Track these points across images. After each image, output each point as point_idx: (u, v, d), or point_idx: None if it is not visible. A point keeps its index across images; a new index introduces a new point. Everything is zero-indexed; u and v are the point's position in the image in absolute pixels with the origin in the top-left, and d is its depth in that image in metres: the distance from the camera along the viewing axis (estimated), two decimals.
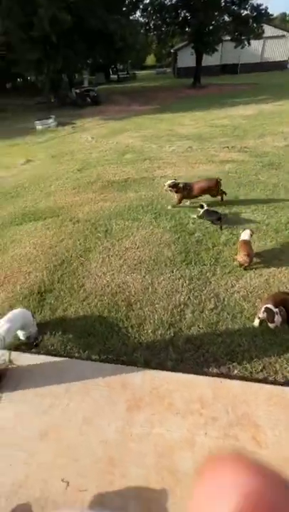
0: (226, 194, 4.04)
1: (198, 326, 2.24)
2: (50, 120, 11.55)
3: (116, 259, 3.05)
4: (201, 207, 3.58)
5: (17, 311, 2.09)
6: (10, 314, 2.04)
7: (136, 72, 38.93)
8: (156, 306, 2.43)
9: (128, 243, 3.30)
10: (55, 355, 1.99)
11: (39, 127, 11.17)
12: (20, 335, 2.16)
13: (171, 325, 2.25)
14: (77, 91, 15.70)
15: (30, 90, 20.78)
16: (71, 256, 3.16)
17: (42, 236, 3.66)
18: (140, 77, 34.13)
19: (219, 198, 4.02)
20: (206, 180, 3.98)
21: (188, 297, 2.49)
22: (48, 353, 2.04)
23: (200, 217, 3.56)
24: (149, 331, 2.21)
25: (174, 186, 3.84)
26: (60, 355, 2.01)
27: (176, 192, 3.89)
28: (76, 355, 2.04)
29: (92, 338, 2.17)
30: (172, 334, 2.17)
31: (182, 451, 1.47)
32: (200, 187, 3.87)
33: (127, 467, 1.42)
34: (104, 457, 1.46)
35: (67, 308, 2.47)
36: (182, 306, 2.42)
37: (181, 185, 3.84)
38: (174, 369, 1.91)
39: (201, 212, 3.54)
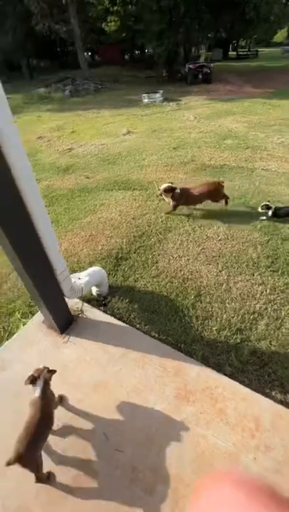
0: (228, 198, 3.50)
1: (269, 341, 1.99)
2: (157, 95, 11.53)
3: (194, 245, 2.93)
4: (267, 207, 3.12)
5: (97, 268, 2.24)
6: (90, 270, 2.20)
7: (259, 49, 34.80)
8: (227, 305, 2.26)
9: (210, 232, 3.11)
10: (119, 319, 2.08)
11: (145, 100, 11.32)
12: (94, 291, 2.33)
13: (239, 330, 2.07)
14: (191, 66, 15.07)
15: (145, 63, 21.07)
16: (151, 231, 3.19)
17: (128, 206, 3.80)
18: (263, 55, 30.39)
19: (223, 203, 3.49)
20: (207, 184, 3.39)
21: (266, 308, 2.22)
22: (113, 314, 2.15)
23: (278, 215, 3.11)
24: (214, 329, 2.08)
25: (170, 191, 3.28)
26: (123, 321, 2.09)
27: (172, 198, 3.33)
28: (137, 326, 2.09)
29: (155, 316, 2.18)
30: (238, 340, 1.99)
31: (224, 462, 1.37)
32: (200, 192, 3.32)
33: (163, 451, 1.41)
34: (144, 431, 1.48)
35: (138, 279, 2.54)
36: (256, 314, 2.18)
37: (178, 190, 3.27)
38: (231, 376, 1.76)
39: (270, 212, 3.11)
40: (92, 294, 2.35)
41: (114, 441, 1.45)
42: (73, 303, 2.12)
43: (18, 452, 1.09)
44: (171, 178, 4.64)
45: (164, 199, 3.51)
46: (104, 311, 2.17)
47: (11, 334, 2.03)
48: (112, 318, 2.09)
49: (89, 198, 4.20)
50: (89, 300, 2.29)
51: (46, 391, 1.30)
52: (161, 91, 11.86)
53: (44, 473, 1.28)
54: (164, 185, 3.30)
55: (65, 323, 1.96)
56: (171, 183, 3.30)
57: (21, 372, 1.67)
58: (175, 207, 3.42)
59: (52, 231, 1.54)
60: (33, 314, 2.16)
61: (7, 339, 1.99)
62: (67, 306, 1.95)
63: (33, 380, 1.29)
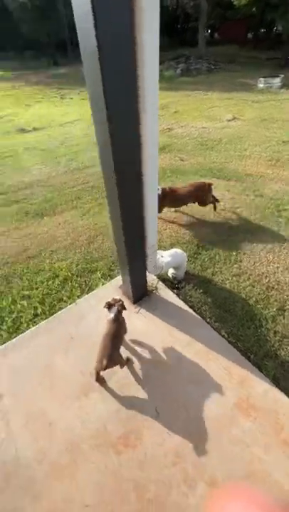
0: (218, 202, 3.16)
1: None
2: (276, 80, 10.21)
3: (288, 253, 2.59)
4: None
5: (179, 251, 2.21)
6: (173, 251, 2.18)
7: None
8: None
9: None
10: (190, 307, 2.03)
11: (261, 85, 10.20)
12: (170, 272, 2.32)
13: None
14: None
15: (270, 42, 18.78)
16: (241, 227, 2.95)
17: (219, 196, 3.56)
18: None
19: (212, 207, 3.14)
20: (194, 185, 2.98)
21: None
22: (185, 300, 2.10)
23: None
24: None
25: None
26: (194, 310, 2.03)
27: None
28: (207, 320, 2.01)
29: (228, 315, 2.04)
30: None
31: (280, 495, 1.22)
32: (187, 192, 2.93)
33: (213, 452, 1.35)
34: (196, 423, 1.44)
35: (216, 273, 2.40)
36: None
37: (159, 190, 2.70)
38: None
39: None
40: (167, 275, 2.35)
41: (164, 419, 1.46)
42: (150, 278, 2.15)
43: (104, 360, 1.40)
44: (275, 174, 4.14)
45: None
46: (177, 295, 2.14)
47: (90, 289, 2.23)
48: (184, 304, 2.05)
49: (179, 180, 4.13)
50: (163, 280, 2.30)
51: (119, 316, 1.56)
52: (282, 76, 10.45)
53: (124, 360, 1.58)
54: None
55: (140, 295, 2.02)
56: None
57: (97, 321, 1.84)
58: (160, 209, 2.95)
59: (156, 204, 1.55)
60: (111, 278, 2.31)
61: (87, 293, 2.18)
62: (146, 279, 2.00)
63: (109, 306, 1.58)
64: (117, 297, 1.64)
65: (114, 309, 1.57)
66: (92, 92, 1.06)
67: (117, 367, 1.58)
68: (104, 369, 1.42)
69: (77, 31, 0.92)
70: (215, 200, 3.13)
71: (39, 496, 1.25)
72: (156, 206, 1.56)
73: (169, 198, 2.88)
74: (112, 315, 1.55)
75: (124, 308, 1.60)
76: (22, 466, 1.32)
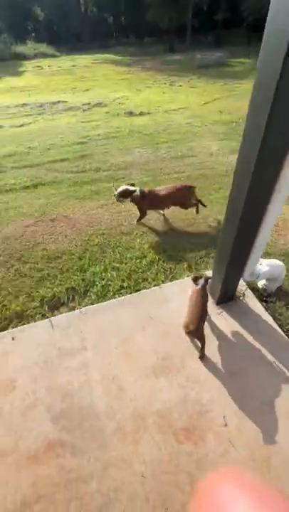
0: (204, 206, 2.98)
1: None
2: None
3: None
4: None
5: (280, 263, 2.01)
6: (273, 261, 2.00)
7: None
8: None
9: None
10: (279, 326, 1.85)
11: None
12: (261, 282, 2.14)
13: None
14: None
15: None
16: None
17: None
18: None
19: (194, 210, 2.97)
20: (177, 187, 2.78)
21: None
22: (273, 317, 1.93)
23: None
24: None
25: (128, 195, 2.68)
26: (282, 330, 1.84)
27: (133, 202, 2.76)
28: None
29: None
30: None
31: None
32: (168, 195, 2.73)
33: (280, 481, 1.24)
34: (265, 450, 1.34)
35: None
36: None
37: (138, 192, 2.67)
38: None
39: None
40: (256, 284, 2.18)
41: (231, 431, 1.40)
42: (240, 283, 2.04)
43: (193, 325, 1.54)
44: None
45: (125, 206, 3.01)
46: (265, 309, 1.97)
47: (174, 277, 2.26)
48: (272, 320, 1.88)
49: None
50: (252, 288, 2.15)
51: (204, 288, 1.68)
52: None
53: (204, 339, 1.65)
54: (120, 188, 2.71)
55: (226, 298, 1.94)
56: (131, 185, 2.76)
57: (179, 309, 1.86)
58: (143, 212, 2.89)
59: (279, 210, 1.41)
60: (197, 271, 2.28)
61: (170, 280, 2.23)
62: (238, 283, 1.90)
63: (196, 278, 1.72)
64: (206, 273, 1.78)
65: (202, 281, 1.67)
66: (260, 85, 1.00)
67: (195, 364, 1.59)
68: (188, 332, 1.57)
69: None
70: (198, 204, 2.95)
71: (104, 446, 1.38)
72: (278, 211, 1.42)
73: (148, 200, 2.77)
74: (198, 286, 1.65)
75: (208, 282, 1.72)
76: (95, 416, 1.48)
